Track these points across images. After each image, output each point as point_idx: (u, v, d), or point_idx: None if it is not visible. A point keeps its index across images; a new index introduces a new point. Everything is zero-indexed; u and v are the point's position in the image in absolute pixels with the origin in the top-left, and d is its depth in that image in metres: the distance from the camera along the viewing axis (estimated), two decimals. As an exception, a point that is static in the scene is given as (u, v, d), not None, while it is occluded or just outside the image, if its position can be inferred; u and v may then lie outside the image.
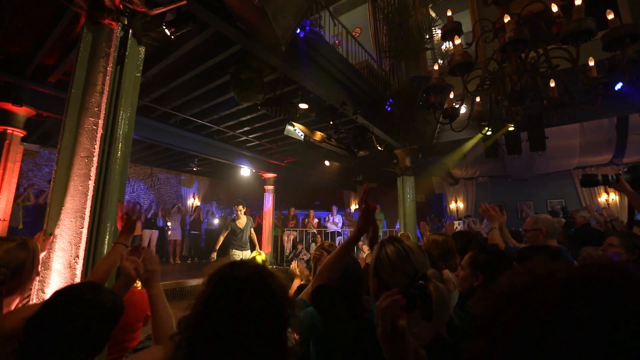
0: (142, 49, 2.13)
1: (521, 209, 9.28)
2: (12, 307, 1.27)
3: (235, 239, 5.61)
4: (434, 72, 3.08)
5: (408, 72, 6.44)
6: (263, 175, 8.26)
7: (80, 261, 1.71)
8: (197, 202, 11.33)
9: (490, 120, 3.30)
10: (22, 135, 4.37)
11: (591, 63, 2.76)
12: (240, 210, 5.73)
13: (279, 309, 0.72)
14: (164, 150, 7.44)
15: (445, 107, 3.15)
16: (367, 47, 6.04)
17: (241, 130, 6.20)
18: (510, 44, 2.46)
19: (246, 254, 5.61)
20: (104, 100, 1.84)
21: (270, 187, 8.26)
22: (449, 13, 2.95)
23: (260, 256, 2.76)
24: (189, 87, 4.62)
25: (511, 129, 5.43)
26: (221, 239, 5.63)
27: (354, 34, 6.03)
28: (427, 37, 6.64)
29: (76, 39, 3.44)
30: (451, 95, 3.37)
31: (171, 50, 3.66)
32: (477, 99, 3.37)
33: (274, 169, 8.25)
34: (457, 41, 2.77)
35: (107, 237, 1.81)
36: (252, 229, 5.85)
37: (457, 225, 7.92)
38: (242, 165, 7.71)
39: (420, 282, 0.85)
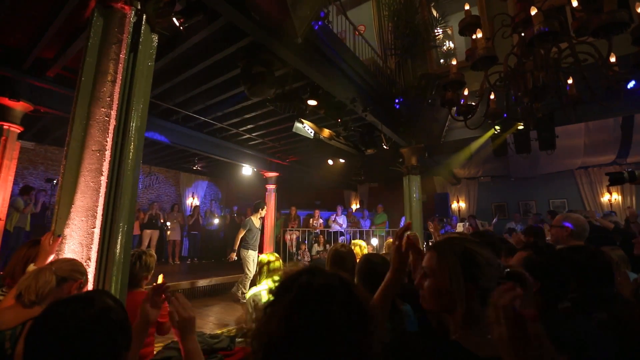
0: (155, 37, 1.99)
1: (527, 214, 9.22)
2: None
3: (252, 239, 5.66)
4: (453, 67, 2.98)
5: (414, 70, 6.35)
6: (265, 174, 8.11)
7: (92, 264, 1.57)
8: (196, 202, 11.15)
9: (506, 118, 3.23)
10: (19, 131, 4.19)
11: (612, 59, 2.70)
12: (264, 210, 5.90)
13: (367, 320, 0.61)
14: (164, 148, 7.27)
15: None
16: (371, 44, 5.95)
17: (244, 128, 6.06)
18: (538, 37, 2.37)
19: (256, 255, 5.64)
20: (117, 89, 1.70)
21: (272, 186, 8.12)
22: (467, 7, 2.86)
23: (278, 258, 2.64)
24: (193, 83, 4.47)
25: (520, 127, 5.35)
26: (239, 237, 5.63)
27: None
28: (432, 35, 6.56)
29: (79, 31, 3.29)
30: (465, 92, 3.29)
31: (176, 44, 3.51)
32: (492, 96, 3.30)
33: (275, 168, 8.11)
34: (479, 35, 2.68)
35: (120, 238, 1.67)
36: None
37: (460, 227, 7.83)
38: (243, 164, 7.57)
39: (507, 269, 0.79)
